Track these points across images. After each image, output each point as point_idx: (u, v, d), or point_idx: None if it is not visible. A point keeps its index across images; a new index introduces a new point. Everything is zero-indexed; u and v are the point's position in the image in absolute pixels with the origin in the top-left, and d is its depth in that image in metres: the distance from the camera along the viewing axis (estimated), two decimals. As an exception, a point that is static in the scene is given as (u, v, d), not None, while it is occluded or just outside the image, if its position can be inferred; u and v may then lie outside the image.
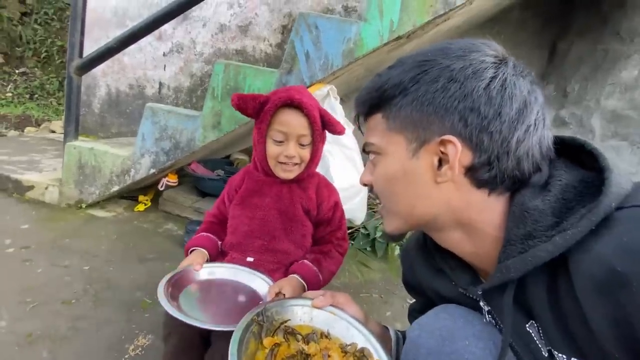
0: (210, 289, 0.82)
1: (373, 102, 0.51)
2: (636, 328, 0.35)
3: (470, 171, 0.45)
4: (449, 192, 0.47)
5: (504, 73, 0.45)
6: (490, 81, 0.44)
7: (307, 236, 0.94)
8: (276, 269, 0.89)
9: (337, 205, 0.96)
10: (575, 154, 0.47)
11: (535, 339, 0.46)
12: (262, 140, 0.85)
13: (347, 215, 1.86)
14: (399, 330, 0.71)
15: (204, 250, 0.89)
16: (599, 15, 2.10)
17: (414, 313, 0.74)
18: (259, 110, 0.83)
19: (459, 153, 0.44)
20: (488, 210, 0.46)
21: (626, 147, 1.84)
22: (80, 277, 1.27)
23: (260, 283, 0.83)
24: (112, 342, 1.01)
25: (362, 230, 2.02)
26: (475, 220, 0.47)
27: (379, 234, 2.04)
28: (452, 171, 0.45)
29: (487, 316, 0.53)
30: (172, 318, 0.78)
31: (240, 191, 0.93)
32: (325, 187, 0.96)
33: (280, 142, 0.84)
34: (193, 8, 1.61)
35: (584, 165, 0.46)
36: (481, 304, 0.53)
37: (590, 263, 0.37)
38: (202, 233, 0.97)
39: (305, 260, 0.90)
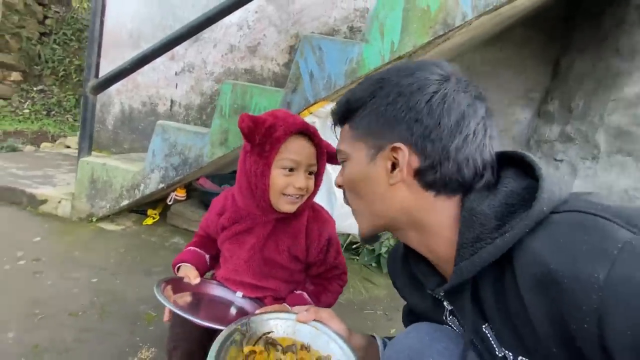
0: (200, 301, 0.84)
1: (342, 114, 0.59)
2: (570, 324, 0.37)
3: (419, 174, 0.51)
4: (401, 192, 0.53)
5: (445, 88, 0.50)
6: (432, 95, 0.50)
7: (296, 274, 0.89)
8: (265, 298, 0.87)
9: (330, 243, 0.87)
10: (526, 165, 0.51)
11: (491, 339, 0.50)
12: (266, 172, 0.75)
13: (350, 231, 1.87)
14: (387, 337, 0.74)
15: (191, 266, 0.89)
16: (600, 33, 2.13)
17: (409, 316, 0.78)
18: (263, 136, 0.75)
19: (406, 157, 0.50)
20: (437, 212, 0.51)
21: (631, 162, 1.83)
22: (87, 289, 1.30)
23: (251, 306, 0.84)
24: (115, 354, 1.03)
25: (367, 246, 2.02)
26: (426, 220, 0.52)
27: (383, 250, 2.04)
28: (402, 173, 0.51)
29: (449, 316, 0.58)
30: (177, 332, 0.80)
31: (231, 227, 0.87)
32: (316, 221, 0.86)
33: (291, 171, 0.77)
34: (204, 30, 1.69)
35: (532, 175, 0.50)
36: (445, 303, 0.58)
37: (529, 261, 0.41)
38: (190, 247, 0.96)
39: (303, 294, 0.86)
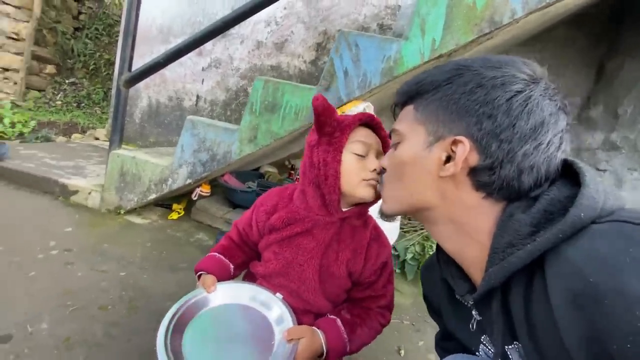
0: (220, 320, 0.77)
1: (410, 93, 0.56)
2: (610, 344, 0.34)
3: (473, 172, 0.48)
4: (447, 187, 0.50)
5: (531, 90, 0.47)
6: (515, 94, 0.46)
7: (342, 294, 0.84)
8: (305, 313, 0.81)
9: (385, 267, 0.83)
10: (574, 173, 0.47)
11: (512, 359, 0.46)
12: (337, 157, 0.74)
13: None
14: None
15: (212, 276, 0.83)
16: (654, 35, 1.98)
17: (440, 343, 0.74)
18: (331, 125, 0.75)
19: (465, 153, 0.47)
20: (480, 214, 0.48)
21: (689, 176, 1.69)
22: (116, 283, 1.30)
23: (277, 315, 0.77)
24: (143, 352, 1.02)
25: (392, 252, 1.96)
26: (465, 219, 0.50)
27: (409, 257, 1.97)
28: (455, 168, 0.48)
29: (474, 326, 0.56)
30: None
31: (284, 229, 0.82)
32: (376, 241, 0.83)
33: (362, 156, 0.76)
34: (239, 23, 1.66)
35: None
36: (473, 312, 0.56)
37: (564, 272, 0.38)
38: (215, 254, 0.91)
39: (337, 320, 0.79)
